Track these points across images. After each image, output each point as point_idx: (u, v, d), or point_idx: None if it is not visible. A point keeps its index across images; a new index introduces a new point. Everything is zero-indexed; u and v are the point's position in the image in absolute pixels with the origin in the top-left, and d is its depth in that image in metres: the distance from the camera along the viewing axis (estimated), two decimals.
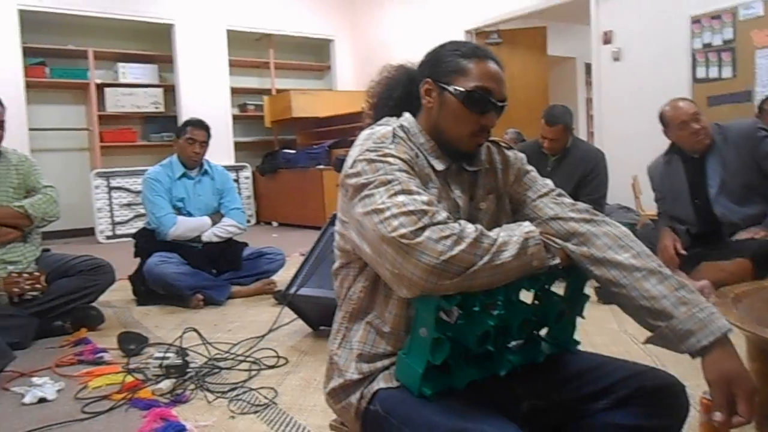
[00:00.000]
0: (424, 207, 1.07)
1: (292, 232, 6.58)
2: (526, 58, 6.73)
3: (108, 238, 6.44)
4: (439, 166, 1.26)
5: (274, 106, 7.55)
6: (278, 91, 7.78)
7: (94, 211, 6.45)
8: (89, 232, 6.58)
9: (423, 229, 1.05)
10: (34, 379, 2.15)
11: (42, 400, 2.00)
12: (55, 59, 6.81)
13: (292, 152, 7.18)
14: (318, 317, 2.67)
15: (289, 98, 7.11)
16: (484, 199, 1.33)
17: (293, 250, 4.56)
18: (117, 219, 6.57)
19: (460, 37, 6.53)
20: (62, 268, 2.82)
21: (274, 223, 7.25)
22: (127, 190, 6.67)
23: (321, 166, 6.55)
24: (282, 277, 3.62)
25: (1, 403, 2.01)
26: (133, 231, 6.39)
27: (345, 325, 1.29)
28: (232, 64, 7.53)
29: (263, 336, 2.53)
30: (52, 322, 2.78)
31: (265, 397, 1.94)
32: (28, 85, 6.38)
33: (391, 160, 1.15)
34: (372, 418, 1.23)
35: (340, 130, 6.97)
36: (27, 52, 6.41)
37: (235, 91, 7.58)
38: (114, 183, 6.61)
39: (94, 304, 2.92)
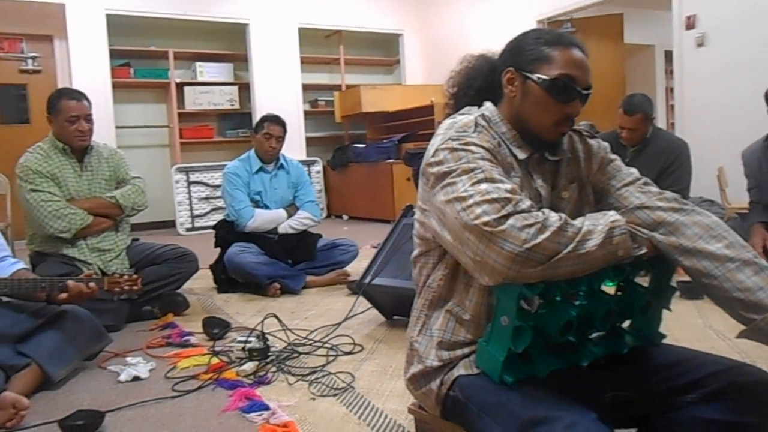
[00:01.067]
0: (508, 195, 1.08)
1: (362, 225, 6.68)
2: (602, 46, 6.52)
3: (187, 230, 6.74)
4: (521, 154, 1.26)
5: (344, 102, 7.66)
6: (348, 86, 7.88)
7: (175, 204, 6.77)
8: (170, 224, 6.91)
9: (506, 217, 1.05)
10: (128, 359, 2.30)
11: (136, 378, 2.14)
12: (139, 60, 7.16)
13: (362, 146, 7.27)
14: (392, 307, 2.71)
15: (359, 93, 7.19)
16: (567, 189, 1.32)
17: (364, 243, 4.63)
18: (196, 212, 6.87)
19: (532, 25, 6.42)
20: (150, 256, 2.99)
21: (345, 216, 7.37)
22: (205, 184, 6.95)
23: (390, 160, 6.60)
24: (354, 268, 3.70)
25: (100, 380, 2.17)
26: (211, 223, 6.73)
27: (425, 312, 1.31)
28: (303, 61, 7.69)
29: (339, 324, 2.60)
30: (142, 307, 2.96)
31: (343, 381, 2.00)
32: (114, 85, 6.74)
33: (473, 148, 1.16)
34: (452, 403, 1.25)
35: (409, 124, 6.99)
36: (113, 54, 6.77)
37: (306, 88, 7.74)
38: (193, 177, 6.91)
39: (179, 290, 3.10)
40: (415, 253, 1.35)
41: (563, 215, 1.09)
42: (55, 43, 7.02)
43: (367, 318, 2.75)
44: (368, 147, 7.18)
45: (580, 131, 1.40)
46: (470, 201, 1.08)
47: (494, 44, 1.36)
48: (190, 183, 6.87)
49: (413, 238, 1.35)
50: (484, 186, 1.09)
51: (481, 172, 1.12)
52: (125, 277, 2.29)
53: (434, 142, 1.22)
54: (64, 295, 2.15)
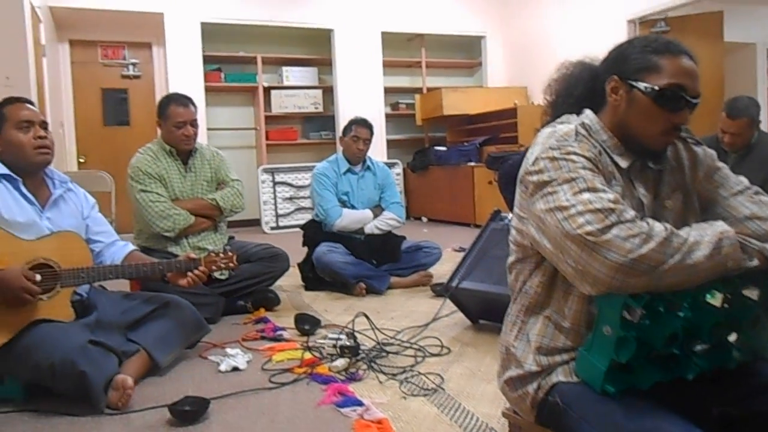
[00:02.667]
0: (611, 205, 1.07)
1: (442, 227, 6.69)
2: (699, 46, 6.17)
3: (272, 228, 6.99)
4: (623, 163, 1.24)
5: (425, 104, 7.70)
6: (429, 89, 7.92)
7: (261, 204, 7.03)
8: (256, 223, 7.18)
9: (610, 227, 1.05)
10: (228, 350, 2.43)
11: (235, 369, 2.26)
12: (229, 65, 7.50)
13: (442, 149, 7.28)
14: (479, 311, 2.72)
15: (440, 96, 7.21)
16: (670, 197, 1.29)
17: (445, 246, 4.63)
18: (280, 211, 7.11)
19: (622, 27, 6.21)
20: (245, 254, 3.14)
21: (424, 219, 7.41)
22: (290, 184, 7.19)
23: (472, 163, 6.58)
24: (437, 271, 3.73)
25: (202, 369, 2.31)
26: (294, 223, 6.97)
27: (521, 318, 1.32)
28: (386, 65, 7.80)
29: (426, 325, 2.64)
30: (236, 302, 3.12)
31: (433, 382, 2.03)
32: (207, 89, 7.09)
33: (574, 158, 1.16)
34: (549, 409, 1.25)
35: (491, 127, 6.94)
36: (206, 60, 7.13)
37: (387, 91, 7.84)
38: (278, 178, 7.16)
39: (271, 287, 3.24)
40: (512, 259, 1.35)
41: (669, 225, 1.08)
42: (153, 50, 7.48)
43: (453, 321, 2.77)
44: (449, 150, 7.19)
45: (685, 138, 1.37)
46: (572, 210, 1.09)
47: (582, 46, 1.34)
48: (275, 183, 7.12)
49: (509, 245, 1.36)
50: (586, 196, 1.10)
51: (583, 182, 1.12)
52: (221, 255, 2.42)
53: (534, 151, 1.23)
54: (183, 281, 2.30)
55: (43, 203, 2.19)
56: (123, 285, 2.80)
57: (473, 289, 2.62)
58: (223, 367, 2.27)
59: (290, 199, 7.16)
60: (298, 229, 6.51)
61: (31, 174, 2.18)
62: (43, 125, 2.18)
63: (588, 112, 1.30)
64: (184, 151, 3.11)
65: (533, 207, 1.19)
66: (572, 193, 1.11)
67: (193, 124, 3.08)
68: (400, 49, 8.09)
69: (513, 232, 1.33)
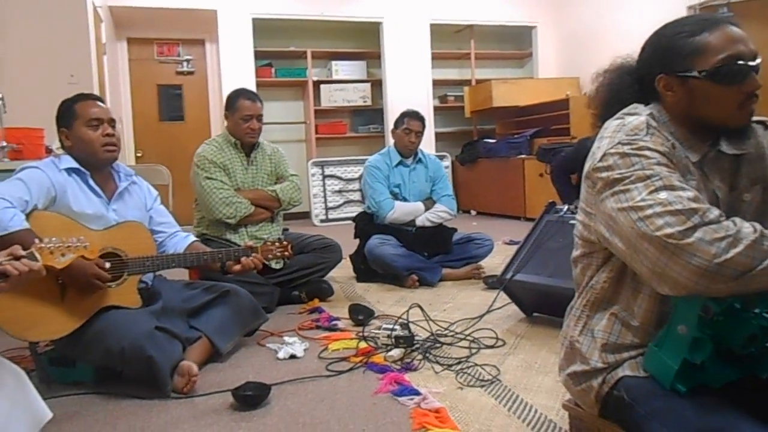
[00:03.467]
0: (693, 205, 1.02)
1: (491, 220, 6.64)
2: (763, 31, 5.94)
3: (322, 221, 7.08)
4: (694, 156, 1.18)
5: (474, 97, 7.63)
6: (478, 81, 7.84)
7: (311, 196, 7.12)
8: (305, 215, 7.28)
9: (693, 229, 1.00)
10: (286, 338, 2.49)
11: (292, 357, 2.31)
12: (280, 60, 7.60)
13: (492, 141, 7.21)
14: (533, 303, 2.69)
15: (489, 88, 7.13)
16: (749, 190, 1.22)
17: (495, 239, 4.60)
18: (330, 204, 7.19)
19: (682, 13, 5.99)
20: (300, 245, 3.19)
21: (473, 212, 7.36)
22: (339, 177, 7.25)
23: (522, 156, 6.49)
24: (489, 263, 3.70)
25: (261, 356, 2.37)
26: (343, 215, 7.03)
27: (586, 313, 1.30)
28: (434, 57, 7.76)
29: (480, 317, 2.63)
30: (291, 292, 3.18)
31: (489, 374, 2.03)
32: (258, 84, 7.20)
33: (647, 153, 1.11)
34: (614, 403, 1.23)
35: (542, 119, 6.82)
36: (257, 55, 7.24)
37: (436, 83, 7.81)
38: (327, 171, 7.23)
39: (324, 278, 3.29)
40: (577, 253, 1.33)
41: (758, 226, 1.01)
42: (206, 47, 7.66)
43: (506, 313, 2.75)
44: (498, 142, 7.11)
45: (764, 122, 1.30)
46: (649, 211, 1.04)
47: (640, 34, 1.27)
48: (324, 176, 7.20)
49: (574, 238, 1.34)
50: (663, 195, 1.05)
51: (659, 179, 1.07)
52: (276, 244, 2.48)
53: (601, 145, 1.18)
54: (237, 266, 2.36)
55: (109, 196, 2.28)
56: (182, 275, 2.89)
57: (528, 282, 2.59)
58: (281, 355, 2.32)
59: (339, 192, 7.23)
60: (347, 222, 6.62)
61: (99, 168, 2.27)
62: (111, 123, 2.26)
63: (653, 104, 1.24)
64: (248, 144, 3.20)
65: (602, 205, 1.14)
66: (648, 192, 1.06)
67: (259, 119, 3.17)
68: (449, 40, 8.03)
69: (578, 226, 1.30)
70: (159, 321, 2.10)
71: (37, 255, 1.46)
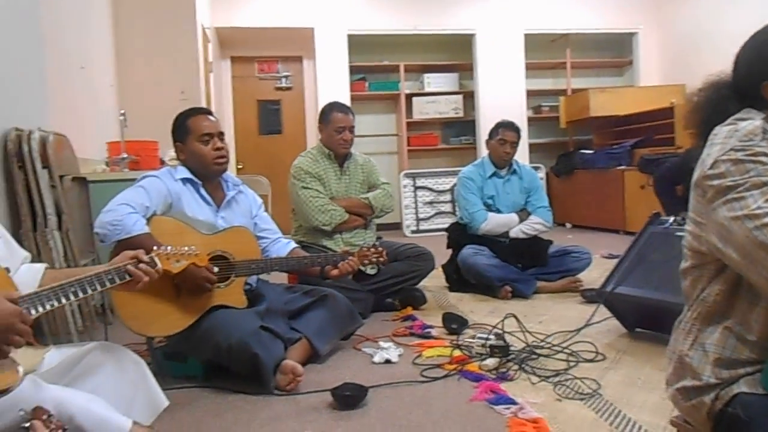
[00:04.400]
0: None
1: (587, 234, 6.42)
2: None
3: (413, 232, 7.13)
4: None
5: (570, 107, 7.44)
6: (574, 90, 7.64)
7: (402, 207, 7.20)
8: (396, 226, 7.36)
9: None
10: (381, 343, 2.53)
11: (387, 361, 2.35)
12: (373, 74, 7.78)
13: (589, 152, 6.98)
14: (635, 318, 2.58)
15: (586, 97, 6.93)
16: None
17: (593, 252, 4.45)
18: (421, 215, 7.24)
19: None
20: (393, 253, 3.24)
21: (568, 225, 7.15)
22: (430, 189, 7.29)
23: (622, 167, 6.23)
24: (587, 277, 3.59)
25: (357, 360, 2.43)
26: (434, 227, 7.05)
27: (697, 326, 1.24)
28: (528, 67, 7.65)
29: (578, 330, 2.56)
30: (385, 299, 3.24)
31: (589, 387, 1.97)
32: (352, 98, 7.38)
33: (763, 159, 1.06)
34: (729, 420, 1.17)
35: (644, 128, 6.52)
36: (352, 70, 7.46)
37: (530, 94, 7.69)
38: (419, 183, 7.29)
39: (417, 286, 3.32)
40: (686, 264, 1.27)
41: None
42: (304, 63, 7.97)
43: (606, 328, 2.66)
44: (596, 153, 6.87)
45: None
46: (766, 219, 1.01)
47: (736, 52, 1.20)
48: (416, 188, 7.26)
49: (683, 249, 1.28)
50: None
51: None
52: (372, 250, 2.54)
53: (712, 152, 1.14)
54: (335, 271, 2.45)
55: (218, 203, 2.43)
56: (281, 279, 3.02)
57: (630, 295, 2.49)
58: (376, 359, 2.37)
59: (430, 203, 7.26)
60: (437, 233, 6.63)
61: (210, 178, 2.43)
62: (221, 136, 2.42)
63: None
64: (341, 155, 3.31)
65: (714, 214, 1.10)
66: (764, 200, 1.02)
67: (351, 130, 3.27)
68: (543, 50, 7.89)
69: (688, 237, 1.25)
70: (263, 321, 2.21)
71: (157, 260, 1.59)
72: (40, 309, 1.34)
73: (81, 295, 1.43)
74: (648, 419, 1.72)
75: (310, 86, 7.88)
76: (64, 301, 1.41)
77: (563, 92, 7.77)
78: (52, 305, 1.37)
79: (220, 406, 1.99)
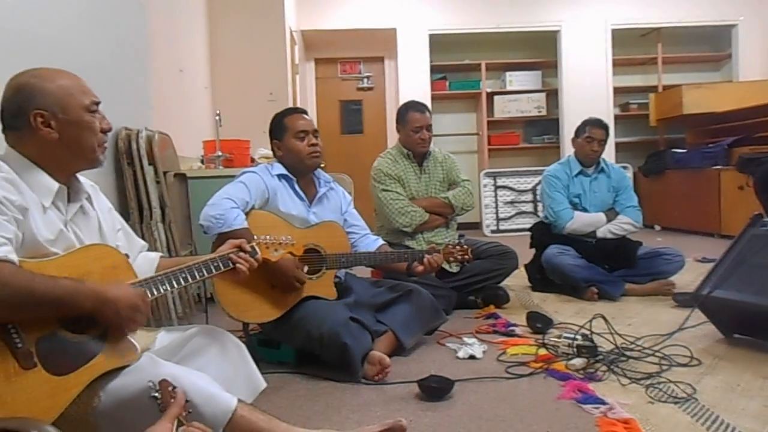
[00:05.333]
0: None
1: (679, 236, 6.13)
2: None
3: (492, 232, 7.07)
4: None
5: (660, 104, 7.12)
6: (665, 87, 7.31)
7: (482, 207, 7.15)
8: (476, 226, 7.32)
9: None
10: (465, 338, 2.55)
11: (471, 357, 2.37)
12: (454, 73, 7.76)
13: (682, 152, 6.66)
14: (734, 323, 2.46)
15: (679, 94, 6.60)
16: None
17: (686, 255, 4.26)
18: (501, 215, 7.16)
19: None
20: (476, 251, 3.24)
21: (657, 227, 6.85)
22: (511, 188, 7.20)
23: (718, 167, 5.90)
24: (679, 280, 3.45)
25: (441, 354, 2.46)
26: (515, 227, 6.97)
27: None
28: (616, 63, 7.40)
29: (671, 334, 2.47)
30: (467, 297, 3.25)
31: (684, 391, 1.91)
32: (433, 98, 7.42)
33: None
34: None
35: (743, 126, 6.14)
36: (432, 70, 7.48)
37: (617, 91, 7.44)
38: (499, 182, 7.22)
39: (500, 285, 3.30)
40: None
41: None
42: (385, 63, 8.08)
43: (702, 332, 2.55)
44: (690, 152, 6.55)
45: None
46: None
47: None
48: (496, 187, 7.20)
49: None
50: None
51: None
52: (457, 247, 2.56)
53: None
54: (420, 267, 2.49)
55: (310, 199, 2.54)
56: (364, 274, 3.09)
57: (728, 299, 2.38)
58: (460, 354, 2.39)
59: (511, 203, 7.18)
60: (518, 233, 6.54)
61: (303, 175, 2.54)
62: (315, 133, 2.53)
63: None
64: (419, 154, 3.34)
65: None
66: None
67: (428, 128, 3.30)
68: (632, 45, 7.60)
69: None
70: (352, 312, 2.28)
71: (257, 248, 1.69)
72: (155, 292, 1.47)
73: (190, 280, 1.55)
74: (749, 426, 1.65)
75: (391, 86, 7.98)
76: (175, 285, 1.53)
77: (653, 89, 7.45)
78: (165, 289, 1.50)
79: (312, 392, 2.08)
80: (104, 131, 1.45)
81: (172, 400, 1.06)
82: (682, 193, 6.43)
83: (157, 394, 1.06)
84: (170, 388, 1.09)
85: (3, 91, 1.36)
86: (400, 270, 2.59)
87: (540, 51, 7.71)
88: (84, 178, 1.51)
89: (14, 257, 1.19)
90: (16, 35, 2.09)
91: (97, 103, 1.43)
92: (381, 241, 2.68)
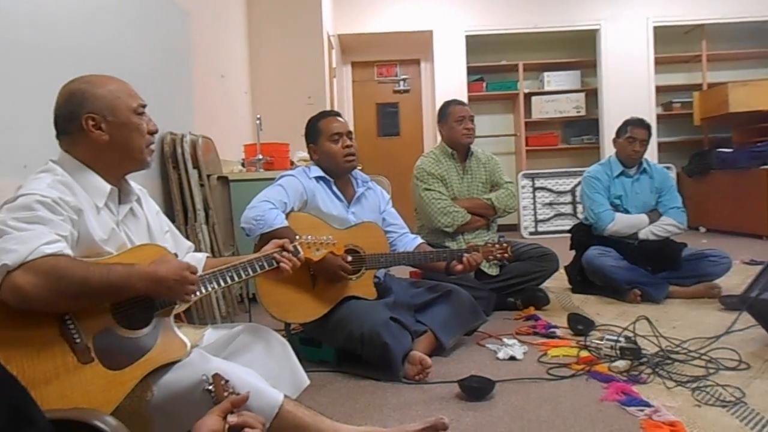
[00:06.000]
0: None
1: (724, 238, 5.96)
2: None
3: (531, 234, 7.00)
4: None
5: (705, 102, 6.94)
6: (710, 85, 7.12)
7: (520, 209, 7.08)
8: (514, 228, 7.26)
9: None
10: (505, 339, 2.55)
11: (512, 358, 2.37)
12: (491, 75, 7.72)
13: (728, 151, 6.47)
14: None
15: (725, 92, 6.42)
16: None
17: (733, 257, 4.14)
18: (539, 217, 7.08)
19: None
20: (516, 252, 3.20)
21: (702, 228, 6.68)
22: (549, 190, 7.12)
23: (767, 166, 5.72)
24: (725, 283, 3.36)
25: (481, 354, 2.47)
26: (553, 229, 6.88)
27: None
28: (657, 62, 7.25)
29: (718, 337, 2.41)
30: (506, 298, 3.23)
31: (732, 395, 1.86)
32: (470, 99, 7.37)
33: None
34: None
35: None
36: (469, 71, 7.45)
37: (659, 90, 7.28)
38: (538, 184, 7.14)
39: (539, 287, 3.28)
40: None
41: None
42: (421, 66, 8.10)
43: (750, 336, 2.48)
44: (736, 151, 6.36)
45: None
46: None
47: None
48: (535, 189, 7.12)
49: None
50: None
51: None
52: (497, 246, 2.55)
53: None
54: (459, 266, 2.49)
55: (349, 200, 2.57)
56: (403, 275, 3.10)
57: None
58: (500, 355, 2.38)
59: (549, 204, 7.09)
60: (556, 235, 6.46)
61: (341, 176, 2.57)
62: (350, 135, 2.57)
63: None
64: (464, 148, 3.34)
65: None
66: None
67: (471, 120, 3.31)
68: (675, 43, 7.43)
69: None
70: (392, 312, 2.30)
71: (299, 248, 1.73)
72: (203, 290, 1.52)
73: (236, 278, 1.60)
74: None
75: (428, 88, 7.98)
76: (222, 283, 1.58)
77: (698, 87, 7.27)
78: (213, 287, 1.55)
79: (353, 390, 2.10)
80: (151, 133, 1.50)
81: (226, 394, 1.10)
82: (729, 193, 6.24)
83: (210, 387, 1.10)
84: (223, 382, 1.12)
85: (56, 99, 1.43)
86: (439, 269, 2.60)
87: (578, 50, 7.60)
88: (133, 183, 1.57)
89: (69, 252, 1.25)
90: (68, 50, 2.19)
91: (144, 106, 1.49)
92: (420, 240, 2.69)
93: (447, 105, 3.40)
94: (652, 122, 7.01)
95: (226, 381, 1.13)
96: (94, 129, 1.41)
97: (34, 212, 1.24)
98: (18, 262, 1.15)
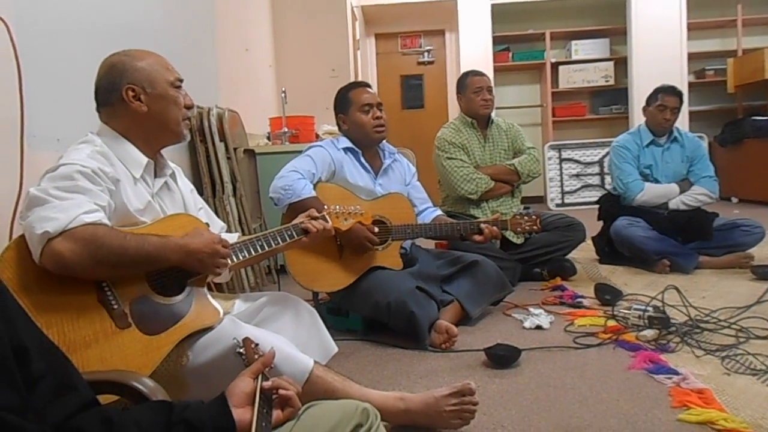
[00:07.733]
0: None
1: (758, 208, 5.83)
2: None
3: (557, 205, 6.93)
4: None
5: (740, 69, 6.73)
6: (745, 51, 6.89)
7: (546, 180, 7.02)
8: (539, 199, 7.21)
9: None
10: (531, 309, 2.55)
11: (538, 327, 2.37)
12: (517, 44, 7.58)
13: (763, 119, 6.28)
14: None
15: (762, 57, 6.20)
16: None
17: (766, 227, 4.06)
18: (566, 188, 7.01)
19: None
20: (543, 223, 3.16)
21: (734, 199, 6.54)
22: (576, 161, 7.02)
23: None
24: (758, 253, 3.30)
25: (507, 324, 2.48)
26: (581, 200, 6.80)
27: None
28: (690, 28, 7.02)
29: (748, 307, 2.37)
30: (532, 269, 3.23)
31: (763, 364, 1.85)
32: (495, 69, 7.28)
33: None
34: None
35: None
36: (495, 41, 7.32)
37: (691, 57, 7.07)
38: (564, 155, 7.04)
39: (566, 257, 3.26)
40: None
41: None
42: (446, 36, 7.98)
43: None
44: None
45: None
46: None
47: None
48: (561, 160, 7.03)
49: None
50: None
51: None
52: (525, 217, 2.55)
53: None
54: (479, 237, 2.49)
55: (376, 171, 2.58)
56: (429, 246, 3.11)
57: None
58: (527, 324, 2.39)
59: (577, 176, 7.00)
60: (584, 206, 6.39)
61: (369, 147, 2.58)
62: (379, 106, 2.56)
63: None
64: (482, 119, 3.32)
65: None
66: None
67: (489, 90, 3.29)
68: (709, 7, 7.18)
69: None
70: (418, 282, 2.32)
71: (328, 218, 1.75)
72: (235, 259, 1.55)
73: (266, 247, 1.63)
74: None
75: (452, 59, 7.88)
76: (252, 252, 1.61)
77: (732, 53, 7.04)
78: (244, 255, 1.58)
79: (381, 358, 2.14)
80: (188, 107, 1.53)
81: (256, 357, 1.13)
82: (763, 163, 6.08)
83: (242, 350, 1.13)
84: (253, 345, 1.15)
85: (97, 71, 1.46)
86: (468, 238, 2.60)
87: (607, 18, 7.40)
88: (168, 161, 1.60)
89: (107, 222, 1.28)
90: (99, 26, 2.22)
91: (181, 80, 1.52)
92: (439, 212, 2.70)
93: (465, 76, 3.38)
94: (684, 90, 6.80)
95: (257, 345, 1.16)
96: (134, 100, 1.44)
97: (74, 182, 1.28)
98: (59, 230, 1.20)
